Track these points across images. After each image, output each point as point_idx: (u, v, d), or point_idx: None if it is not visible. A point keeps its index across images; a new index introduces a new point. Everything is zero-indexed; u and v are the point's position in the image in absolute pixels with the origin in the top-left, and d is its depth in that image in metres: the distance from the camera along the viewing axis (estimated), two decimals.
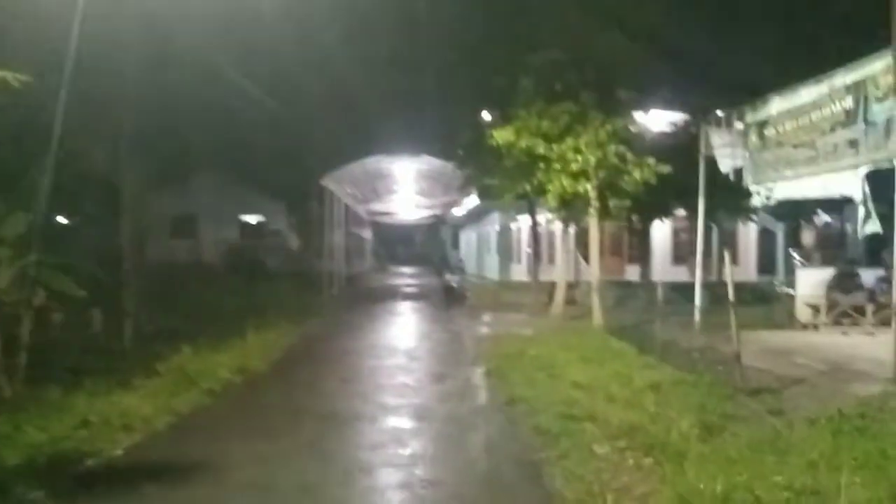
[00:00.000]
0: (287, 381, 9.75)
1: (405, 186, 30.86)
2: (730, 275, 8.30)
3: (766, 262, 28.03)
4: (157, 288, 15.67)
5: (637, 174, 13.03)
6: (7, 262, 7.94)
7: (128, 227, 17.40)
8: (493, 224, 30.89)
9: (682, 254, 27.82)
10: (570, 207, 14.98)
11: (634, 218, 18.19)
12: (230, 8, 16.53)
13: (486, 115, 17.20)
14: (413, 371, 10.34)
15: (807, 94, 10.10)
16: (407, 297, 26.20)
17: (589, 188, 13.31)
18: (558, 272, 18.80)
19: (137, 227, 15.53)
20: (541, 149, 13.14)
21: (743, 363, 8.20)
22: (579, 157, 12.98)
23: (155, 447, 6.24)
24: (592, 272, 14.24)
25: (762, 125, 11.38)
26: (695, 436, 6.05)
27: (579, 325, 14.36)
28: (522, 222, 26.71)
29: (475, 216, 34.64)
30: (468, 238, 42.69)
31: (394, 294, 27.15)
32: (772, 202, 11.42)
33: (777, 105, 10.93)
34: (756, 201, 11.72)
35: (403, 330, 16.38)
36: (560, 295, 17.35)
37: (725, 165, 13.08)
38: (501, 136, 13.35)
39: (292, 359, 11.65)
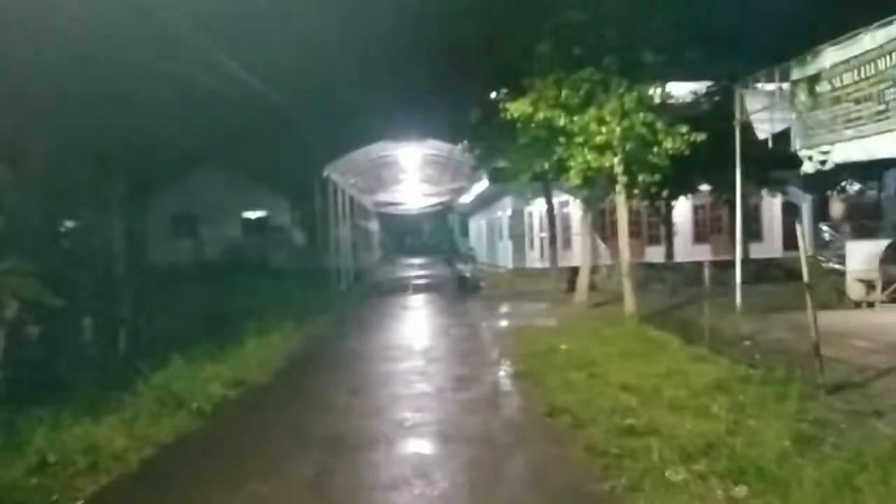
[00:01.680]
0: (289, 394, 8.55)
1: (411, 174, 29.85)
2: (804, 252, 7.07)
3: (791, 237, 26.76)
4: (156, 291, 14.66)
5: (669, 144, 11.73)
6: None
7: (119, 230, 16.39)
8: (504, 209, 29.66)
9: (703, 232, 26.66)
10: (594, 185, 13.73)
11: (662, 194, 16.79)
12: None
13: (495, 94, 15.93)
14: (432, 376, 9.10)
15: (871, 40, 8.77)
16: (418, 289, 24.98)
17: (615, 162, 12.05)
18: (580, 256, 17.55)
19: (132, 229, 14.53)
20: (561, 121, 11.87)
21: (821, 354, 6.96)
22: (603, 129, 11.72)
23: (123, 495, 5.06)
24: (622, 254, 12.99)
25: (813, 81, 10.05)
26: (791, 452, 4.89)
27: (609, 313, 13.26)
28: (536, 206, 25.46)
29: (484, 202, 33.38)
30: (478, 225, 41.44)
31: (404, 287, 25.95)
32: (828, 167, 10.07)
33: (831, 56, 9.58)
34: (808, 167, 10.37)
35: (417, 326, 15.18)
36: (583, 281, 16.18)
37: (763, 131, 11.90)
38: (517, 108, 12.06)
39: (296, 366, 10.47)
